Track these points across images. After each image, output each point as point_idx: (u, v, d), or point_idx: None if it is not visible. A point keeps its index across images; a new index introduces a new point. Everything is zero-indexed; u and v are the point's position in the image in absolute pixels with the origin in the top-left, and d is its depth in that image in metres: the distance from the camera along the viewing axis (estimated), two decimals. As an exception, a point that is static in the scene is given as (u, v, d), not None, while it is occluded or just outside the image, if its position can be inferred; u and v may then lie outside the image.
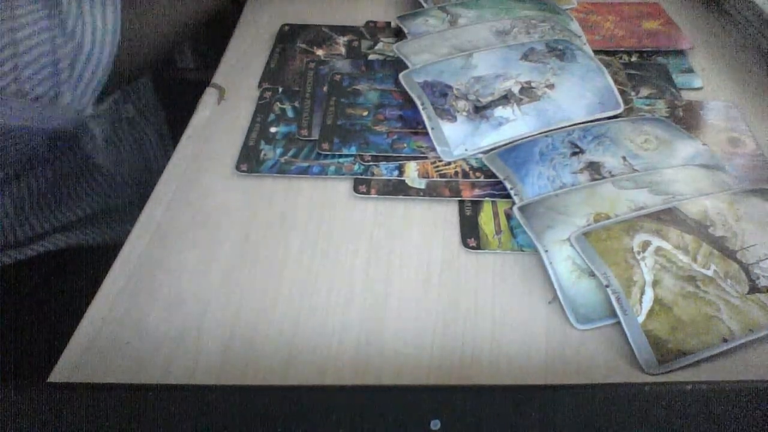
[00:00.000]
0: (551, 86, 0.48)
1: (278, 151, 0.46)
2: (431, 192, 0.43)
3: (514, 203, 0.41)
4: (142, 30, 0.50)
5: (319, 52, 0.57)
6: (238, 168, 0.45)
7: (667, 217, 0.38)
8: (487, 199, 0.43)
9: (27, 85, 0.43)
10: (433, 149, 0.45)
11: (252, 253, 0.39)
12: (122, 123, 0.62)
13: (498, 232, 0.41)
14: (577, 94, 0.48)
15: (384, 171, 0.44)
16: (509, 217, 0.41)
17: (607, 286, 0.35)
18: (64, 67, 0.44)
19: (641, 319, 0.34)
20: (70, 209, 0.59)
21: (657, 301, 0.35)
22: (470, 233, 0.40)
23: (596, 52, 0.54)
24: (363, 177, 0.44)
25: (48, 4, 0.43)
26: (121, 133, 0.62)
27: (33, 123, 0.46)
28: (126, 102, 0.62)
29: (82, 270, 0.48)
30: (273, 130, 0.48)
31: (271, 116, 0.50)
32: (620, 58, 0.56)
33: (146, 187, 0.44)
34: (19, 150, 0.51)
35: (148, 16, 0.51)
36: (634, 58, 0.56)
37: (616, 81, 0.49)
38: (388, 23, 0.61)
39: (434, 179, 0.44)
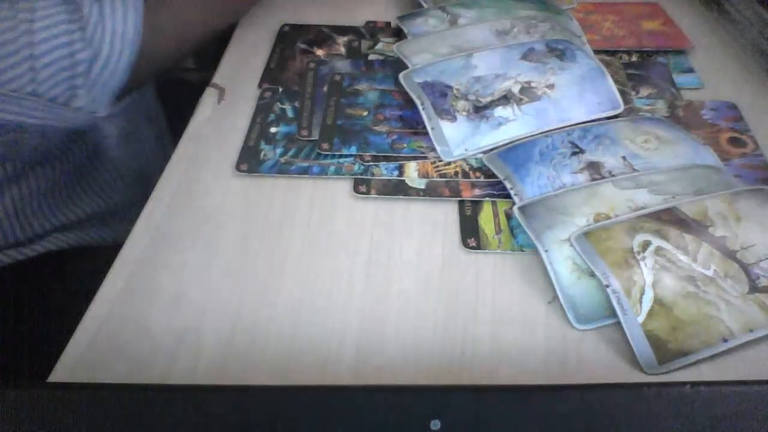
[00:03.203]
0: (551, 86, 0.48)
1: (278, 151, 0.46)
2: (431, 192, 0.43)
3: (514, 203, 0.41)
4: (161, 37, 0.50)
5: (319, 52, 0.57)
6: (238, 168, 0.45)
7: (667, 217, 0.38)
8: (487, 199, 0.43)
9: (43, 86, 0.43)
10: (433, 149, 0.45)
11: (252, 253, 0.39)
12: (132, 122, 0.63)
13: (498, 232, 0.41)
14: (577, 94, 0.48)
15: (384, 171, 0.44)
16: (509, 217, 0.41)
17: (607, 286, 0.35)
18: (81, 72, 0.45)
19: (641, 319, 0.34)
20: (71, 210, 0.59)
21: (657, 301, 0.35)
22: (470, 233, 0.40)
23: (596, 52, 0.54)
24: (363, 177, 0.44)
25: (69, 9, 0.43)
26: (129, 133, 0.62)
27: (47, 122, 0.46)
28: (133, 102, 0.62)
29: (82, 270, 0.48)
30: (273, 130, 0.48)
31: (271, 116, 0.50)
32: (620, 58, 0.56)
33: (146, 187, 0.44)
34: (33, 145, 0.51)
35: (168, 22, 0.51)
36: (634, 58, 0.56)
37: (616, 81, 0.49)
38: (388, 23, 0.61)
39: (434, 179, 0.44)
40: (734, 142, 0.47)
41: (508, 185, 0.42)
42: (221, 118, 0.50)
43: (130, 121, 0.61)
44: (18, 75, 0.42)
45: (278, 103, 0.51)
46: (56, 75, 0.44)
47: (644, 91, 0.52)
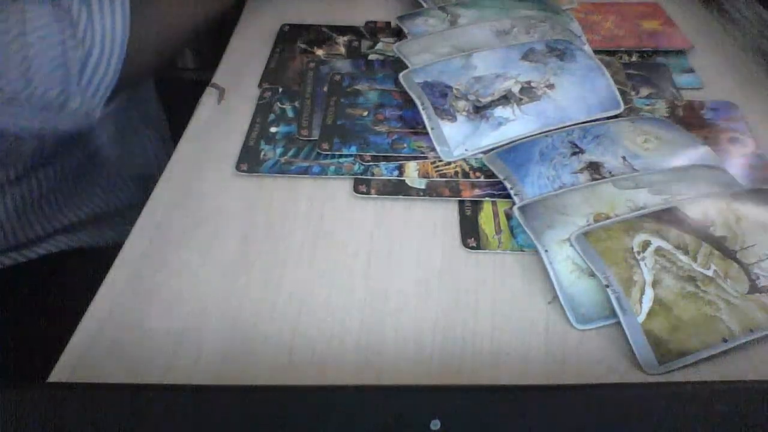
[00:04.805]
0: (551, 86, 0.48)
1: (278, 151, 0.46)
2: (431, 192, 0.43)
3: (514, 203, 0.41)
4: (149, 33, 0.50)
5: (319, 52, 0.57)
6: (238, 168, 0.45)
7: (667, 217, 0.38)
8: (487, 199, 0.43)
9: (37, 90, 0.43)
10: (433, 149, 0.45)
11: (252, 253, 0.39)
12: (130, 122, 0.62)
13: (498, 232, 0.41)
14: (577, 94, 0.48)
15: (384, 171, 0.44)
16: (509, 217, 0.41)
17: (607, 286, 0.35)
18: (74, 73, 0.44)
19: (641, 319, 0.34)
20: (72, 211, 0.59)
21: (657, 301, 0.35)
22: (470, 233, 0.40)
23: (596, 52, 0.54)
24: (363, 177, 0.44)
25: (58, 11, 0.43)
26: (127, 132, 0.62)
27: (42, 126, 0.46)
28: (130, 102, 0.62)
29: (82, 270, 0.48)
30: (273, 130, 0.48)
31: (271, 116, 0.50)
32: (620, 58, 0.56)
33: (146, 188, 0.44)
34: (29, 151, 0.51)
35: (155, 19, 0.51)
36: (634, 58, 0.56)
37: (616, 81, 0.49)
38: (388, 23, 0.61)
39: (434, 179, 0.44)
40: (734, 142, 0.47)
41: (508, 185, 0.42)
42: (221, 118, 0.50)
43: (126, 122, 0.61)
44: (12, 80, 0.42)
45: (278, 103, 0.51)
46: (50, 78, 0.43)
47: (644, 91, 0.52)
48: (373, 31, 0.60)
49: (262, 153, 0.46)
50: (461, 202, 0.43)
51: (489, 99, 0.47)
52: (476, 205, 0.42)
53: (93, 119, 0.48)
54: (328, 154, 0.46)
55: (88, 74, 0.45)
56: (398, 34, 0.59)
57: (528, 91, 0.48)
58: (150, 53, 0.52)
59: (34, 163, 0.53)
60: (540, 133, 0.46)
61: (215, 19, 0.57)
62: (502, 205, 0.42)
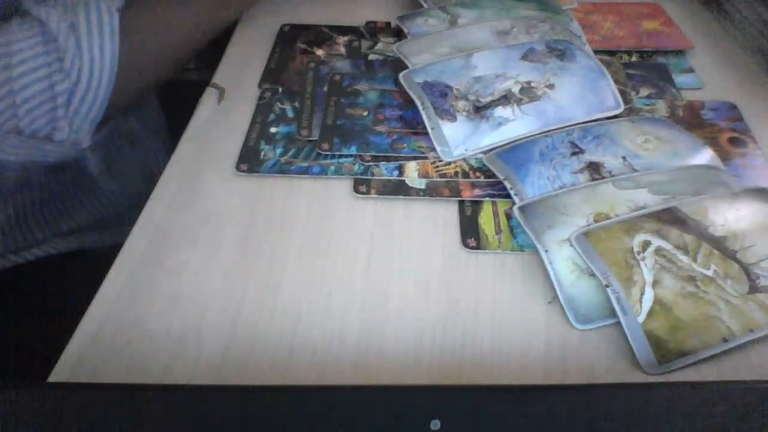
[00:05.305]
0: (551, 86, 0.48)
1: (278, 151, 0.46)
2: (431, 192, 0.43)
3: (514, 203, 0.41)
4: (140, 60, 0.49)
5: (319, 52, 0.57)
6: (238, 168, 0.45)
7: (667, 217, 0.38)
8: (487, 199, 0.43)
9: (24, 121, 0.42)
10: (433, 149, 0.45)
11: (252, 253, 0.39)
12: (122, 141, 0.61)
13: (498, 232, 0.41)
14: (577, 94, 0.48)
15: (384, 171, 0.44)
16: (509, 217, 0.41)
17: (607, 286, 0.35)
18: (61, 104, 0.43)
19: (641, 319, 0.34)
20: (72, 218, 0.59)
21: (657, 301, 0.35)
22: (470, 233, 0.40)
23: (596, 52, 0.54)
24: (363, 177, 0.44)
25: (45, 41, 0.42)
26: (118, 154, 0.61)
27: (29, 158, 0.45)
28: (128, 114, 0.61)
29: (82, 270, 0.48)
30: (273, 130, 0.48)
31: (271, 116, 0.50)
32: (620, 58, 0.56)
33: (148, 190, 0.44)
34: (13, 177, 0.50)
35: (145, 45, 0.50)
36: (634, 58, 0.56)
37: (616, 81, 0.49)
38: (388, 23, 0.61)
39: (434, 179, 0.44)
40: (734, 142, 0.47)
41: (508, 185, 0.42)
42: (221, 118, 0.50)
43: (110, 149, 0.59)
44: None
45: (278, 103, 0.51)
46: (37, 109, 0.43)
47: (644, 91, 0.52)
48: (373, 31, 0.60)
49: (262, 153, 0.46)
50: (461, 202, 0.43)
51: (489, 99, 0.47)
52: (476, 205, 0.42)
53: (80, 149, 0.47)
54: (328, 154, 0.46)
55: (75, 105, 0.44)
56: (398, 34, 0.59)
57: (528, 91, 0.48)
58: (144, 79, 0.51)
59: (21, 185, 0.52)
60: (540, 133, 0.46)
61: (211, 39, 0.56)
62: (502, 205, 0.42)
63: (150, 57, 0.51)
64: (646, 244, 0.37)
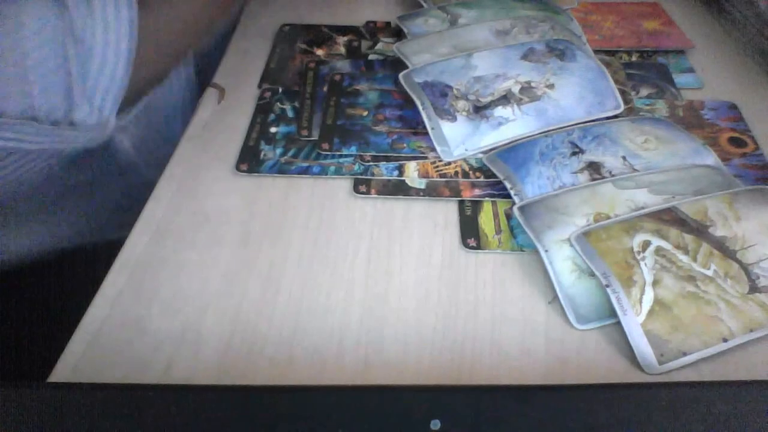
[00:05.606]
0: (551, 86, 0.48)
1: (278, 151, 0.46)
2: (431, 192, 0.43)
3: (514, 203, 0.41)
4: (164, 32, 0.46)
5: (319, 52, 0.57)
6: (238, 168, 0.45)
7: (667, 217, 0.38)
8: (487, 199, 0.43)
9: (38, 101, 0.39)
10: (433, 149, 0.45)
11: (252, 253, 0.39)
12: (157, 118, 0.57)
13: (498, 232, 0.41)
14: (577, 94, 0.48)
15: (384, 171, 0.44)
16: (509, 217, 0.41)
17: (607, 286, 0.35)
18: (76, 77, 0.40)
19: (641, 319, 0.34)
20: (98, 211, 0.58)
21: (657, 301, 0.35)
22: (470, 233, 0.40)
23: (596, 52, 0.54)
24: (363, 177, 0.44)
25: (56, 9, 0.38)
26: (150, 140, 0.57)
27: (51, 146, 0.41)
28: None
29: (82, 270, 0.47)
30: (273, 130, 0.48)
31: (271, 116, 0.50)
32: (620, 58, 0.56)
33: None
34: (34, 169, 0.46)
35: (172, 16, 0.47)
36: (634, 58, 0.56)
37: (616, 81, 0.49)
38: (388, 23, 0.61)
39: (434, 179, 0.44)
40: (734, 142, 0.47)
41: (508, 185, 0.42)
42: (221, 118, 0.50)
43: (142, 132, 0.55)
44: (11, 100, 0.38)
45: (278, 103, 0.51)
46: (51, 86, 0.39)
47: (644, 91, 0.52)
48: (373, 31, 0.60)
49: (262, 153, 0.46)
50: (461, 202, 0.43)
51: (489, 99, 0.47)
52: (476, 205, 0.42)
53: (106, 131, 0.43)
54: (328, 154, 0.46)
55: (93, 78, 0.41)
56: (398, 34, 0.59)
57: (528, 91, 0.48)
58: (167, 53, 0.48)
59: (43, 179, 0.49)
60: (540, 133, 0.46)
61: (232, 12, 0.53)
62: (502, 205, 0.42)
63: (178, 27, 0.47)
64: (646, 244, 0.37)
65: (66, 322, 0.36)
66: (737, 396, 0.29)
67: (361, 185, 0.44)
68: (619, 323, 0.34)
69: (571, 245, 0.37)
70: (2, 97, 0.38)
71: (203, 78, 0.59)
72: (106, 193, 0.57)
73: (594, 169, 0.43)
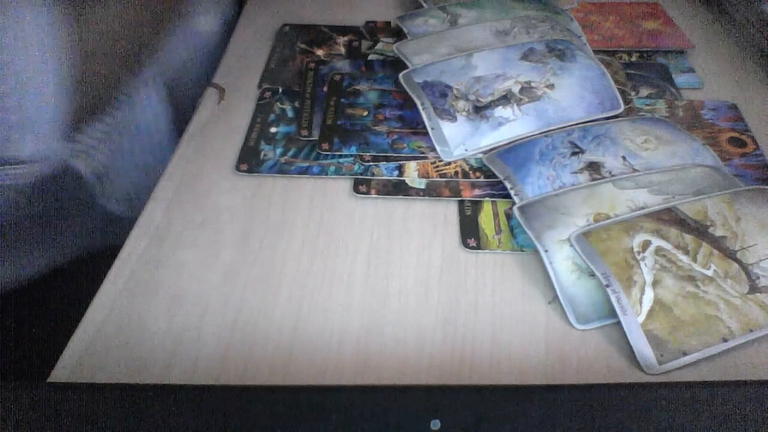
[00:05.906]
0: (551, 86, 0.48)
1: (278, 151, 0.46)
2: (431, 192, 0.43)
3: (514, 203, 0.41)
4: (97, 34, 0.42)
5: (319, 52, 0.57)
6: (238, 168, 0.45)
7: (667, 217, 0.38)
8: (487, 199, 0.43)
9: None
10: (433, 149, 0.45)
11: (252, 253, 0.39)
12: (115, 157, 0.52)
13: (498, 232, 0.41)
14: (577, 94, 0.48)
15: (384, 171, 0.44)
16: (509, 217, 0.41)
17: (607, 286, 0.35)
18: (11, 107, 0.35)
19: (641, 319, 0.34)
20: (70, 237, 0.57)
21: (657, 301, 0.35)
22: (470, 233, 0.40)
23: (596, 52, 0.54)
24: (363, 177, 0.44)
25: None
26: (114, 169, 0.53)
27: (9, 182, 0.38)
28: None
29: (82, 270, 0.47)
30: (273, 130, 0.48)
31: (271, 116, 0.50)
32: (620, 58, 0.56)
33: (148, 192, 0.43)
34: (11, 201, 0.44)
35: (98, 17, 0.42)
36: (634, 58, 0.56)
37: (616, 81, 0.49)
38: (388, 23, 0.61)
39: (434, 179, 0.44)
40: (734, 142, 0.47)
41: (508, 185, 0.42)
42: (221, 118, 0.50)
43: (110, 156, 0.51)
44: None
45: (278, 103, 0.51)
46: None
47: (644, 91, 0.52)
48: (373, 31, 0.60)
49: (262, 153, 0.46)
50: (461, 202, 0.43)
51: (489, 99, 0.47)
52: (476, 205, 0.42)
53: (61, 156, 0.39)
54: (328, 154, 0.46)
55: (13, 106, 0.36)
56: (398, 34, 0.59)
57: (528, 91, 0.48)
58: (111, 57, 0.44)
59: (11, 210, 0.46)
60: (540, 133, 0.46)
61: (179, 13, 0.50)
62: (502, 205, 0.42)
63: (108, 30, 0.43)
64: (646, 244, 0.37)
65: (66, 322, 0.36)
66: (737, 396, 0.29)
67: (361, 185, 0.44)
68: (619, 323, 0.34)
69: (571, 245, 0.37)
70: None
71: (177, 98, 0.56)
72: (72, 225, 0.54)
73: (594, 169, 0.43)
